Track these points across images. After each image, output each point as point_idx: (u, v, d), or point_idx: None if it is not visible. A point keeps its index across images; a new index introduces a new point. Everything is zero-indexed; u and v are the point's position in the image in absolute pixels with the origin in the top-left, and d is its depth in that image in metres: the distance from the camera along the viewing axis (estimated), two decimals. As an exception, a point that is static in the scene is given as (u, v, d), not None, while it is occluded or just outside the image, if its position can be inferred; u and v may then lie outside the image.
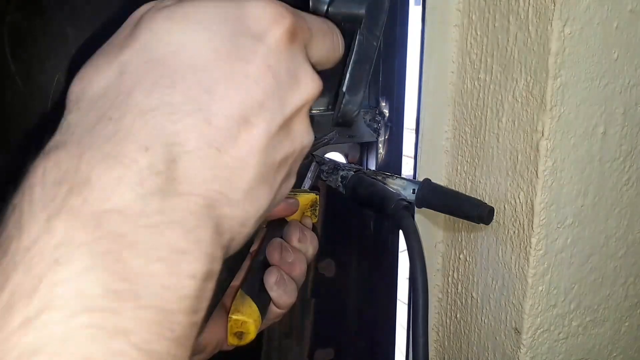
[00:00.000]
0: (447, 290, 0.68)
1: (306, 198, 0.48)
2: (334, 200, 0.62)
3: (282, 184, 0.26)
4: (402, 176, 0.56)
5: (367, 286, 0.69)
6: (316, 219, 0.49)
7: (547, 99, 0.49)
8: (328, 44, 0.28)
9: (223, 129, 0.22)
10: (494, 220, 0.56)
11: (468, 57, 0.59)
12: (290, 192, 0.31)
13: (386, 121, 0.62)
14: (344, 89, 0.35)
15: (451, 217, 0.64)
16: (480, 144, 0.59)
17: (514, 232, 0.55)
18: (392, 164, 0.64)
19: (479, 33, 0.57)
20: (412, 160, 0.66)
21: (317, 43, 0.27)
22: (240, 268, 0.43)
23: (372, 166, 0.64)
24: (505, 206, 0.56)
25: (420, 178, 0.62)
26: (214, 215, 0.21)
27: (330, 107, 0.58)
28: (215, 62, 0.22)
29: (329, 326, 0.68)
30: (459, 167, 0.63)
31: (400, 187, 0.54)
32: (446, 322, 0.70)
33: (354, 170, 0.55)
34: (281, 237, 0.44)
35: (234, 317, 0.37)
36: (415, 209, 0.58)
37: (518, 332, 0.57)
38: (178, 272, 0.20)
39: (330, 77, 0.30)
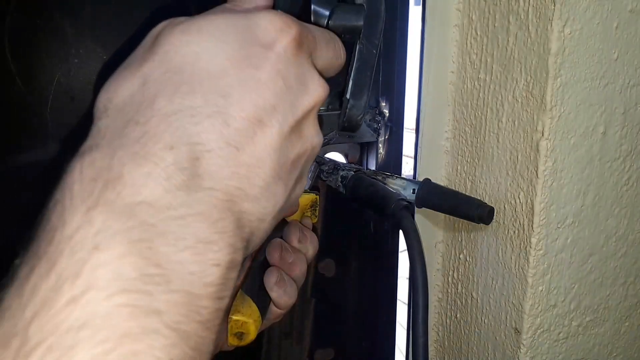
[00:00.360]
0: (447, 290, 0.68)
1: (306, 198, 0.48)
2: (334, 200, 0.62)
3: (295, 184, 0.28)
4: (402, 176, 0.56)
5: (367, 286, 0.69)
6: (316, 219, 0.49)
7: (547, 99, 0.49)
8: (331, 52, 0.30)
9: (240, 130, 0.24)
10: (494, 220, 0.56)
11: (468, 57, 0.59)
12: None
13: (386, 121, 0.62)
14: (348, 95, 0.37)
15: (451, 217, 0.64)
16: (480, 144, 0.59)
17: (514, 232, 0.55)
18: (392, 164, 0.64)
19: (479, 33, 0.57)
20: (412, 160, 0.66)
21: (321, 51, 0.29)
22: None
23: (372, 166, 0.64)
24: (505, 206, 0.56)
25: (420, 178, 0.62)
26: (235, 210, 0.23)
27: (330, 107, 0.58)
28: (229, 69, 0.24)
29: (329, 326, 0.68)
30: (459, 167, 0.63)
31: (400, 187, 0.54)
32: (446, 322, 0.70)
33: (354, 170, 0.55)
34: (281, 238, 0.44)
35: (234, 317, 0.37)
36: (415, 209, 0.58)
37: (518, 332, 0.57)
38: (204, 260, 0.21)
39: (332, 83, 0.32)
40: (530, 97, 0.51)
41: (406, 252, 0.48)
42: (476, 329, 0.64)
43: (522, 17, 0.51)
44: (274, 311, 0.42)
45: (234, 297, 0.24)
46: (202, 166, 0.22)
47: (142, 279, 0.20)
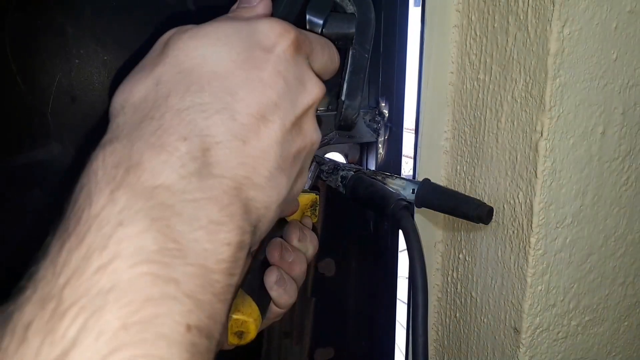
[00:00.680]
0: (447, 290, 0.69)
1: (306, 198, 0.48)
2: (334, 200, 0.62)
3: (297, 177, 0.31)
4: (401, 176, 0.56)
5: (367, 286, 0.69)
6: (316, 219, 0.49)
7: (546, 99, 0.49)
8: (326, 56, 0.33)
9: (246, 124, 0.26)
10: (493, 220, 0.56)
11: (467, 57, 0.59)
12: None
13: (386, 121, 0.62)
14: (343, 97, 0.40)
15: (450, 216, 0.64)
16: (479, 144, 0.59)
17: (513, 231, 0.55)
18: (392, 164, 0.64)
19: (478, 34, 0.57)
20: (412, 161, 0.66)
21: (317, 55, 0.32)
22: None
23: (372, 166, 0.64)
24: (505, 206, 0.56)
25: (419, 178, 0.63)
26: (242, 196, 0.26)
27: (330, 107, 0.58)
28: (234, 70, 0.27)
29: (329, 326, 0.68)
30: (458, 167, 0.63)
31: (400, 187, 0.54)
32: (445, 321, 0.70)
33: (354, 170, 0.56)
34: (281, 237, 0.44)
35: (234, 316, 0.37)
36: (415, 208, 0.58)
37: (517, 331, 0.57)
38: (216, 239, 0.24)
39: (330, 86, 0.34)
40: (529, 97, 0.51)
41: (406, 252, 0.48)
42: (475, 329, 0.64)
43: (522, 17, 0.51)
44: (274, 310, 0.42)
45: (243, 275, 0.26)
46: (212, 156, 0.25)
47: (161, 252, 0.22)
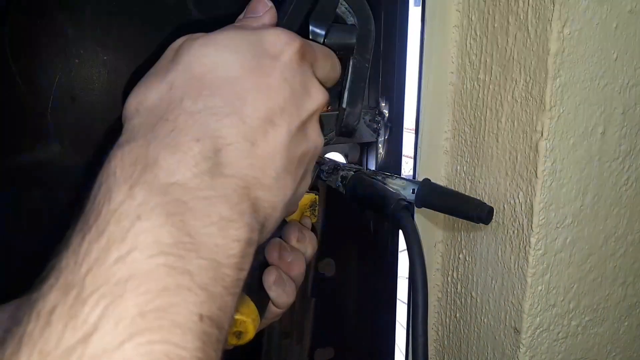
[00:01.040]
0: (447, 290, 0.69)
1: (305, 198, 0.48)
2: (333, 200, 0.62)
3: (301, 180, 0.32)
4: (401, 176, 0.56)
5: (367, 286, 0.69)
6: (315, 219, 0.49)
7: (546, 99, 0.49)
8: (329, 65, 0.35)
9: (255, 127, 0.28)
10: (493, 220, 0.56)
11: (467, 57, 0.59)
12: None
13: (386, 121, 0.62)
14: (344, 104, 0.41)
15: (451, 217, 0.64)
16: (479, 144, 0.59)
17: (514, 231, 0.55)
18: (392, 164, 0.64)
19: (478, 34, 0.57)
20: (412, 161, 0.66)
21: (320, 63, 0.33)
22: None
23: (372, 166, 0.64)
24: (505, 206, 0.56)
25: (419, 178, 0.62)
26: (251, 196, 0.27)
27: (329, 107, 0.58)
28: (243, 76, 0.28)
29: (329, 326, 0.68)
30: (458, 167, 0.63)
31: (400, 187, 0.54)
32: (446, 321, 0.70)
33: (354, 170, 0.55)
34: (280, 237, 0.44)
35: (233, 316, 0.37)
36: (415, 209, 0.58)
37: (517, 331, 0.57)
38: (226, 235, 0.25)
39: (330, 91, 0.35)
40: (529, 97, 0.51)
41: (406, 252, 0.48)
42: (475, 329, 0.64)
43: (522, 17, 0.51)
44: (273, 310, 0.42)
45: (251, 271, 0.27)
46: (223, 156, 0.26)
47: (176, 245, 0.23)
